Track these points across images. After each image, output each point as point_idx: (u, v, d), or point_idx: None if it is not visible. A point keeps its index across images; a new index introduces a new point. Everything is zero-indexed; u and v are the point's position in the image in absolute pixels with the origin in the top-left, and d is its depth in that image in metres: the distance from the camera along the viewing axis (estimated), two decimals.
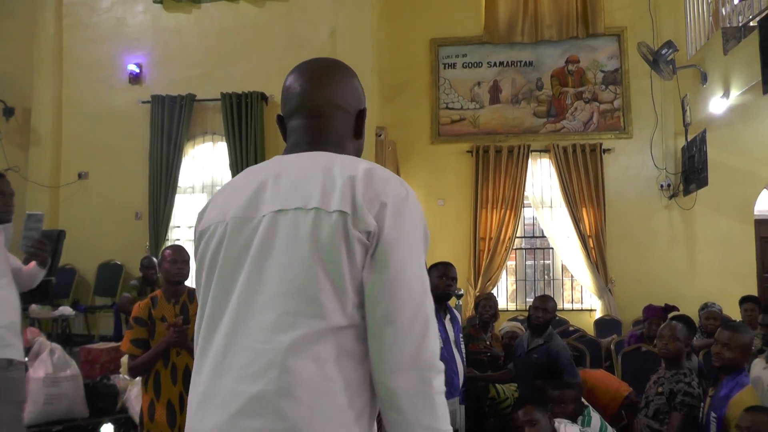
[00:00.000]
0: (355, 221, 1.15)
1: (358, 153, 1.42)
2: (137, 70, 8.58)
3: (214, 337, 1.23)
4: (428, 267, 1.60)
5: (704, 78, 7.11)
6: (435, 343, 1.18)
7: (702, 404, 3.43)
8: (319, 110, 1.36)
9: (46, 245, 3.23)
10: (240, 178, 1.36)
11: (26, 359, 4.51)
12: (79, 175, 8.65)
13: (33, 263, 3.26)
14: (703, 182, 7.23)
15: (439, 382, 1.18)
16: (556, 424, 3.34)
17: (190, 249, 3.52)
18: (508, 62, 8.71)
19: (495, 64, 8.73)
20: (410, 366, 1.15)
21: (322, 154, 1.29)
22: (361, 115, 1.41)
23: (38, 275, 3.32)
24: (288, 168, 1.27)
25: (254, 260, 1.21)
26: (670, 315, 5.27)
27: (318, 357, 1.14)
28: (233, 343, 1.19)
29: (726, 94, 6.53)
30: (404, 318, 1.15)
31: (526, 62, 8.69)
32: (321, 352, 1.14)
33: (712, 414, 3.18)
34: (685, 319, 4.61)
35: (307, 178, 1.22)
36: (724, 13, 6.77)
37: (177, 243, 3.89)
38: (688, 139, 7.74)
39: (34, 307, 6.51)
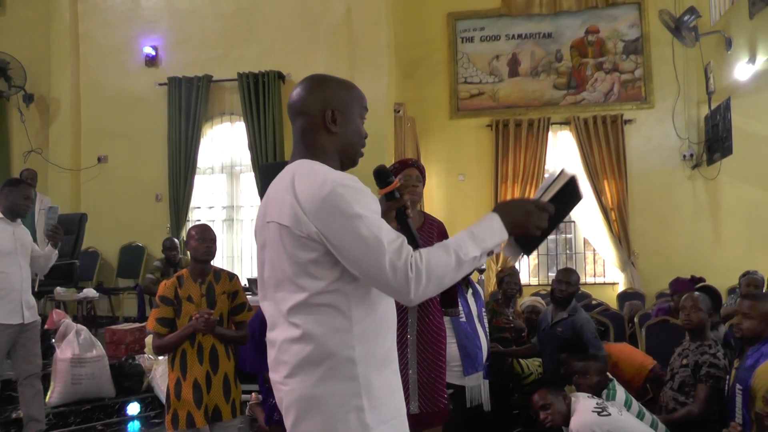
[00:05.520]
0: (299, 228, 1.58)
1: (337, 141, 1.75)
2: (153, 53, 8.56)
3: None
4: None
5: (729, 44, 6.94)
6: (394, 248, 1.51)
7: (728, 376, 3.38)
8: (292, 118, 1.79)
9: (60, 230, 4.42)
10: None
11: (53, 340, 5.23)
12: (99, 159, 8.69)
13: (49, 246, 4.40)
14: (727, 151, 7.10)
15: (403, 255, 1.52)
16: (573, 398, 3.32)
17: (215, 228, 3.65)
18: (526, 34, 8.58)
19: (513, 36, 8.60)
20: (390, 281, 1.51)
21: (292, 167, 1.69)
22: (325, 114, 1.72)
23: (52, 255, 4.44)
24: (274, 186, 1.73)
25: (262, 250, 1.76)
26: (697, 286, 5.18)
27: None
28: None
29: (752, 59, 6.39)
30: (371, 269, 1.54)
31: (544, 34, 8.56)
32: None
33: (738, 386, 3.12)
34: (709, 290, 4.53)
35: (276, 199, 1.67)
36: None
37: (201, 223, 3.92)
38: (712, 108, 7.57)
39: (59, 289, 6.57)
